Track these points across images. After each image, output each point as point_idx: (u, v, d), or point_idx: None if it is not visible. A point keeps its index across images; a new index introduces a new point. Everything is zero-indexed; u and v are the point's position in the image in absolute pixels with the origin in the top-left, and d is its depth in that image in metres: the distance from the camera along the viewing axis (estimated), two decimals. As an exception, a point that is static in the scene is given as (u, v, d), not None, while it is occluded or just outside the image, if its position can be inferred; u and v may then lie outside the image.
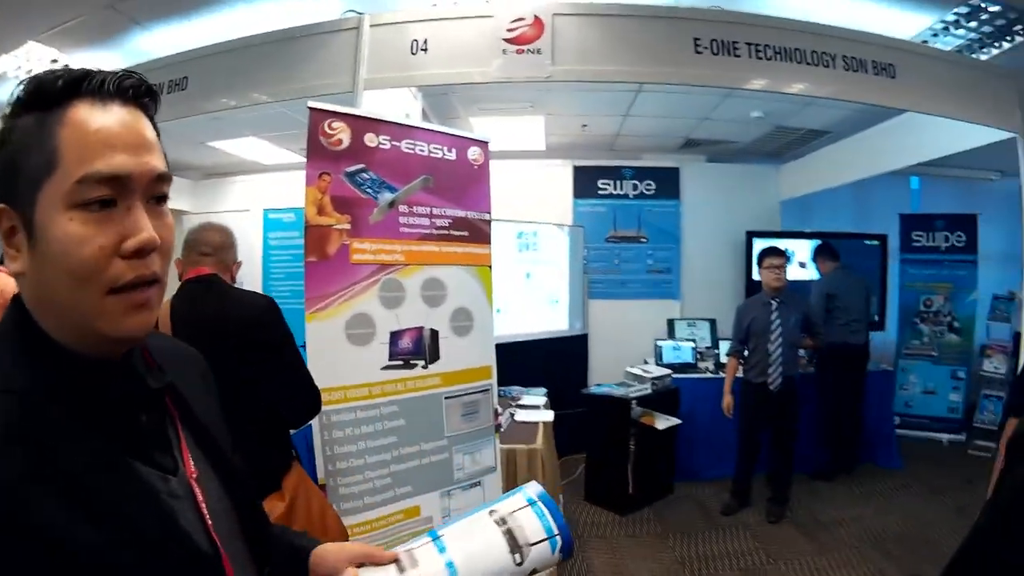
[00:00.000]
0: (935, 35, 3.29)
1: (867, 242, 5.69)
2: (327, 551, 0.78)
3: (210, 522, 0.65)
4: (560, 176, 5.81)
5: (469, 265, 2.48)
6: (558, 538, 0.68)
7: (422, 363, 2.29)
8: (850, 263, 4.87)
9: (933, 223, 5.72)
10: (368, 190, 2.20)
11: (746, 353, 3.84)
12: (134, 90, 0.60)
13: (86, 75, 0.58)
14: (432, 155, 2.35)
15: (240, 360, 1.56)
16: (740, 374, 3.92)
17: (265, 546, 0.76)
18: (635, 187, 5.83)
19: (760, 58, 2.57)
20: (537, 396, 3.79)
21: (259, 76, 2.66)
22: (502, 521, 0.68)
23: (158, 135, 0.62)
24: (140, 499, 0.58)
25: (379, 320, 2.16)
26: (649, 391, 4.15)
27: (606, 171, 5.83)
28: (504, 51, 2.37)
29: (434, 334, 2.35)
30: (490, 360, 2.53)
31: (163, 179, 0.60)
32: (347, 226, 2.11)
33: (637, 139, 5.47)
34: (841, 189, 5.43)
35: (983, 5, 3.02)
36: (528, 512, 0.69)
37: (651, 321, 5.48)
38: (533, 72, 2.37)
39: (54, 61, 3.03)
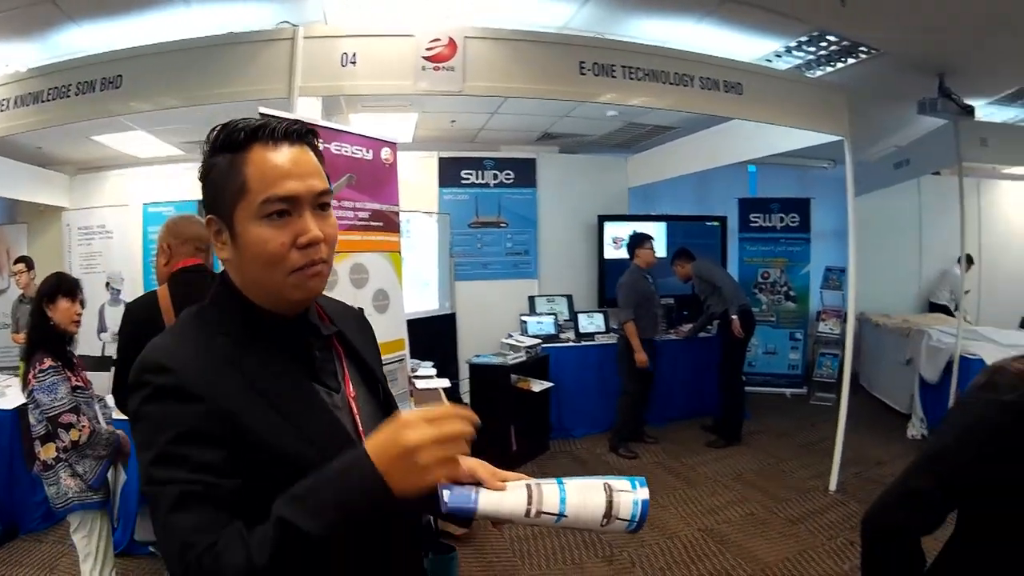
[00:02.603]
0: (778, 56, 4.33)
1: (708, 223, 7.05)
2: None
3: (362, 429, 0.96)
4: (427, 167, 6.65)
5: (384, 251, 3.18)
6: (636, 523, 0.92)
7: (354, 337, 2.98)
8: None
9: (769, 206, 7.14)
10: (307, 186, 2.84)
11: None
12: (297, 133, 0.91)
13: (261, 126, 0.89)
14: (354, 155, 3.01)
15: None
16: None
17: None
18: (495, 176, 6.85)
19: (632, 78, 3.43)
20: (428, 368, 4.59)
21: (196, 78, 3.10)
22: (610, 493, 0.92)
23: (321, 160, 0.95)
24: (313, 403, 0.92)
25: (320, 301, 2.83)
26: (524, 358, 5.15)
27: (469, 162, 6.79)
28: (423, 68, 3.04)
29: (361, 312, 3.04)
30: (403, 333, 3.26)
31: (324, 194, 0.92)
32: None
33: (498, 132, 6.42)
34: (684, 176, 6.67)
35: (823, 35, 4.03)
36: (629, 497, 0.92)
37: (512, 299, 6.54)
38: (448, 87, 3.07)
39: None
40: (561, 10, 3.56)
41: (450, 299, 6.36)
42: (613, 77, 3.39)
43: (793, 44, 4.19)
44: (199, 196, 3.67)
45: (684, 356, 5.98)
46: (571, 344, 5.86)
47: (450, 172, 6.73)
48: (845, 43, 4.16)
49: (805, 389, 6.92)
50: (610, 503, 0.90)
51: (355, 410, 0.97)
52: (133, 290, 5.96)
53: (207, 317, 0.95)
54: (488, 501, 0.90)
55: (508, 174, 6.88)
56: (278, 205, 0.87)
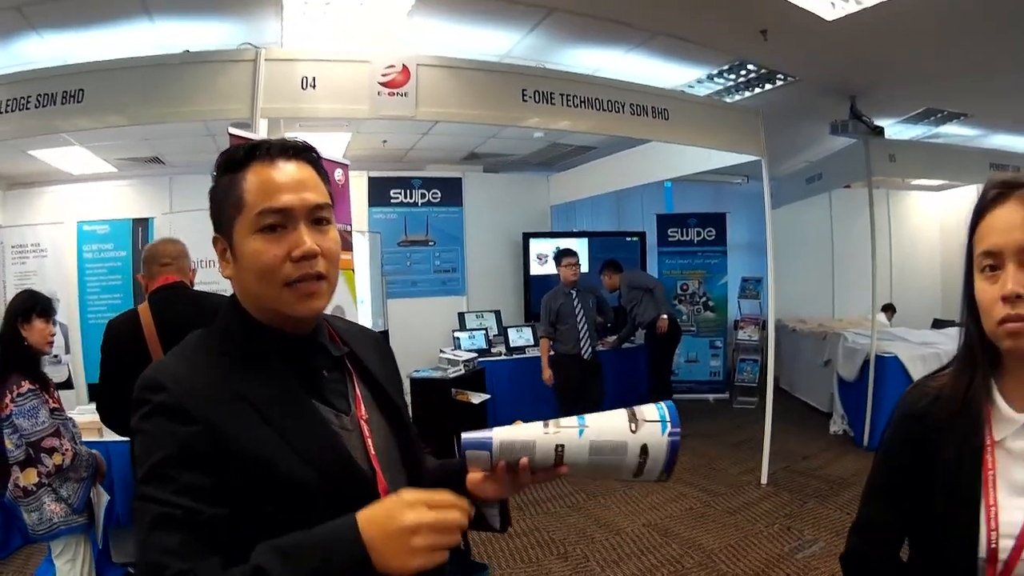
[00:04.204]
0: (700, 82, 4.84)
1: (628, 239, 7.59)
2: None
3: (373, 452, 0.96)
4: (357, 186, 6.82)
5: (340, 269, 3.42)
6: (668, 423, 0.88)
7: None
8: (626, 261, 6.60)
9: (686, 221, 7.76)
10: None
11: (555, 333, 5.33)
12: (293, 150, 0.95)
13: (258, 144, 0.94)
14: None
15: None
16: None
17: (421, 476, 1.03)
18: (423, 196, 7.23)
19: (569, 105, 3.80)
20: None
21: (159, 96, 3.19)
22: (630, 409, 0.91)
23: (324, 176, 0.98)
24: (312, 422, 0.91)
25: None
26: (463, 372, 5.47)
27: (398, 181, 7.14)
28: (379, 93, 3.29)
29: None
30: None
31: (320, 207, 0.93)
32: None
33: (425, 152, 6.80)
34: (603, 193, 7.27)
35: (743, 64, 4.56)
36: (651, 406, 0.91)
37: (442, 315, 6.90)
38: (402, 111, 3.34)
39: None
40: (504, 40, 3.94)
41: (383, 316, 6.59)
42: (552, 104, 3.76)
43: (715, 72, 4.70)
44: (134, 215, 4.62)
45: (614, 366, 6.34)
46: (504, 358, 6.28)
47: (379, 191, 7.03)
48: (763, 71, 4.69)
49: (727, 394, 7.51)
50: (631, 411, 0.91)
51: (366, 433, 0.98)
52: (68, 311, 5.87)
53: (211, 336, 0.98)
54: (504, 431, 0.93)
55: (435, 193, 7.24)
56: (272, 218, 0.90)
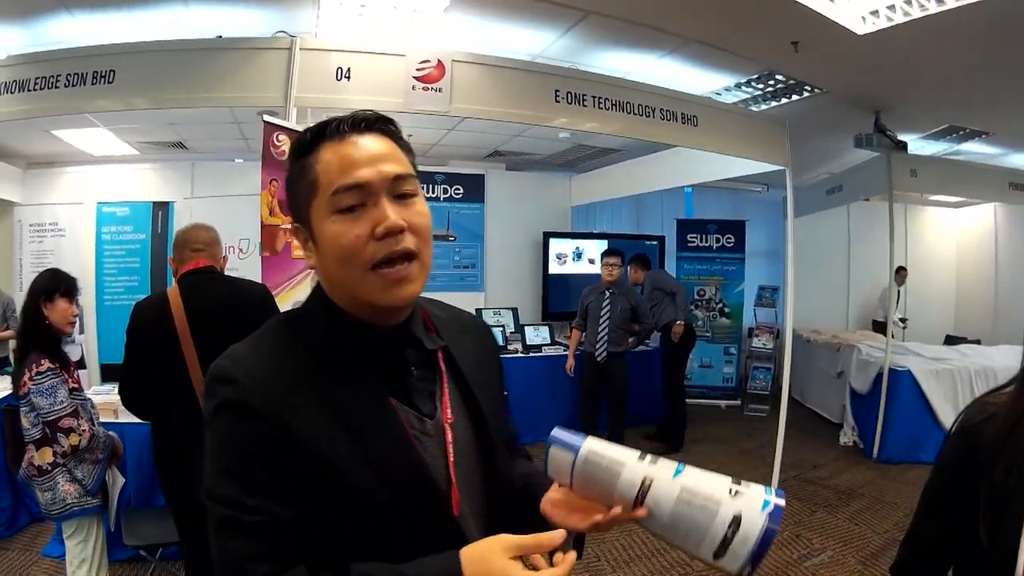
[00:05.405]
0: (727, 90, 4.83)
1: (647, 242, 7.56)
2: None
3: (452, 459, 0.89)
4: None
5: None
6: (771, 502, 0.80)
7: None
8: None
9: (706, 227, 7.75)
10: (303, 194, 3.06)
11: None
12: (366, 123, 0.88)
13: (327, 124, 0.87)
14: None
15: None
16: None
17: (500, 488, 0.98)
18: (445, 191, 7.20)
19: (600, 108, 3.79)
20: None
21: (191, 80, 3.18)
22: (736, 479, 0.83)
23: (404, 148, 0.92)
24: (391, 429, 0.85)
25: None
26: None
27: (421, 176, 6.98)
28: (413, 87, 3.29)
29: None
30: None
31: (401, 179, 0.86)
32: (289, 226, 2.94)
33: (449, 148, 6.80)
34: (623, 196, 7.30)
35: (772, 74, 4.55)
36: (760, 486, 0.83)
37: None
38: (436, 107, 3.34)
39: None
40: (539, 40, 3.94)
41: (402, 309, 6.60)
42: (584, 105, 3.75)
43: (743, 81, 4.69)
44: (153, 197, 4.87)
45: (630, 367, 6.32)
46: (520, 355, 6.29)
47: (402, 185, 7.04)
48: (791, 82, 4.68)
49: (739, 401, 7.49)
50: (738, 480, 0.84)
51: (448, 439, 0.91)
52: (84, 292, 5.84)
53: (292, 324, 0.92)
54: (597, 441, 0.89)
55: (458, 189, 7.23)
56: (349, 196, 0.83)
